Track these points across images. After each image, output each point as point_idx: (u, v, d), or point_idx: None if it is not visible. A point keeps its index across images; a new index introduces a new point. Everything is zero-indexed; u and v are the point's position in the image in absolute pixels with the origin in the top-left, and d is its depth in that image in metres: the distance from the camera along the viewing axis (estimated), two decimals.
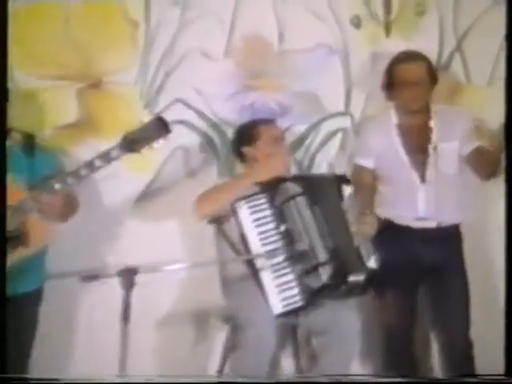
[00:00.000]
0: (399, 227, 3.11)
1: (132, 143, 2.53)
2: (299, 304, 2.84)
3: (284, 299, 2.83)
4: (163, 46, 3.40)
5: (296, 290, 2.84)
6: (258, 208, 2.86)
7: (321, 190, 2.90)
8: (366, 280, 2.87)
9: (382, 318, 3.14)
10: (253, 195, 2.88)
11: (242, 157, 3.13)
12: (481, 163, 3.05)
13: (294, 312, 2.86)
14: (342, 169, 3.36)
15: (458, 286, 3.08)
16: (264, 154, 3.00)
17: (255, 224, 2.84)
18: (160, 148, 2.56)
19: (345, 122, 3.48)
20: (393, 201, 3.11)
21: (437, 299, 3.11)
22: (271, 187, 2.88)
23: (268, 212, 2.86)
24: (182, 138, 3.36)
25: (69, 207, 2.79)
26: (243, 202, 2.86)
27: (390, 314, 3.09)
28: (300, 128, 3.45)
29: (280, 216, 2.85)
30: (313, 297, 2.82)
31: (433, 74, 3.09)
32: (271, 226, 2.86)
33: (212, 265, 3.06)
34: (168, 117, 2.69)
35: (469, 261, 3.17)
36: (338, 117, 3.47)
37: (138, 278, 2.48)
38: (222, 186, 2.97)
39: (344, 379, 2.76)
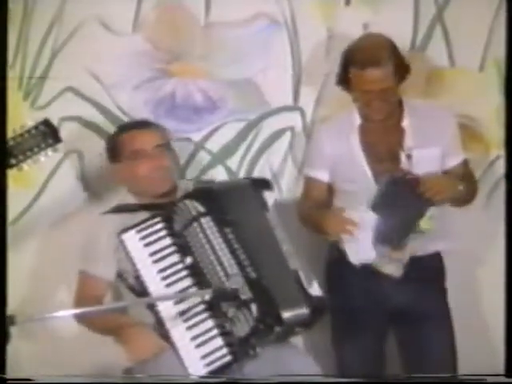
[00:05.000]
0: None
1: (9, 156, 2.41)
2: (226, 359, 2.53)
3: (205, 356, 2.53)
4: (48, 14, 3.11)
5: (220, 341, 2.54)
6: (153, 238, 2.57)
7: (232, 204, 2.64)
8: (312, 313, 2.58)
9: (340, 366, 2.90)
10: (144, 221, 2.58)
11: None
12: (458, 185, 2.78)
13: (220, 371, 2.53)
14: (290, 180, 3.17)
15: (438, 335, 2.82)
16: (129, 173, 2.73)
17: (152, 259, 2.56)
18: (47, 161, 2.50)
19: (293, 120, 3.20)
20: None
21: (410, 352, 2.86)
22: (167, 208, 2.61)
23: (168, 241, 2.58)
24: (76, 141, 3.07)
25: None
26: (132, 231, 2.57)
27: (350, 362, 2.88)
28: (234, 127, 3.17)
29: (184, 245, 2.58)
30: (242, 347, 2.53)
31: (402, 67, 2.78)
32: (174, 259, 2.58)
33: (110, 312, 2.63)
34: (56, 111, 2.81)
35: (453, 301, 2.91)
36: (284, 112, 3.20)
37: (15, 330, 2.22)
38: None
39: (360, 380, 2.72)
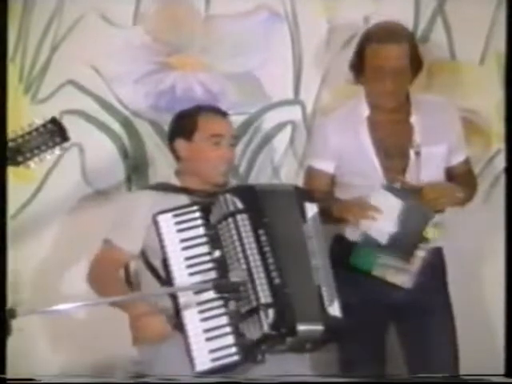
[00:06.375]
0: None
1: (16, 154, 2.42)
2: (233, 359, 2.51)
3: (213, 351, 2.51)
4: (48, 7, 3.12)
5: (231, 339, 2.52)
6: (188, 225, 2.59)
7: (272, 208, 2.63)
8: (326, 332, 2.52)
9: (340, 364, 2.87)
10: (182, 207, 2.61)
11: (175, 153, 2.83)
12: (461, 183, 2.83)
13: (225, 370, 2.51)
14: (291, 173, 3.16)
15: (440, 333, 2.81)
16: (199, 153, 2.73)
17: (182, 246, 2.57)
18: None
19: (294, 113, 3.20)
20: None
21: (411, 343, 2.85)
22: (208, 199, 2.64)
23: (201, 231, 2.60)
24: (76, 135, 2.96)
25: None
26: (169, 214, 2.58)
27: (351, 360, 2.83)
28: (235, 121, 3.07)
29: (216, 238, 2.59)
30: (251, 351, 2.51)
31: (417, 58, 2.79)
32: (203, 249, 2.59)
33: (121, 302, 2.62)
34: (57, 105, 2.84)
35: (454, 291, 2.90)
36: (284, 106, 3.20)
37: (17, 323, 2.22)
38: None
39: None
